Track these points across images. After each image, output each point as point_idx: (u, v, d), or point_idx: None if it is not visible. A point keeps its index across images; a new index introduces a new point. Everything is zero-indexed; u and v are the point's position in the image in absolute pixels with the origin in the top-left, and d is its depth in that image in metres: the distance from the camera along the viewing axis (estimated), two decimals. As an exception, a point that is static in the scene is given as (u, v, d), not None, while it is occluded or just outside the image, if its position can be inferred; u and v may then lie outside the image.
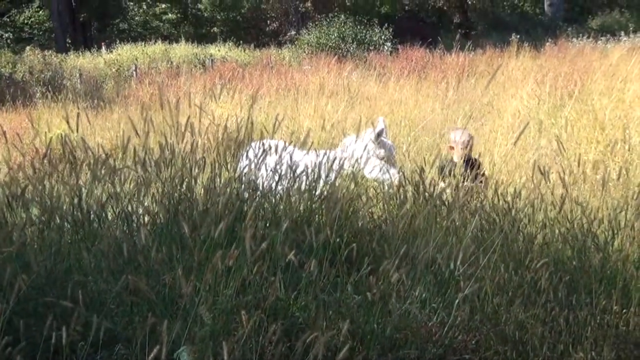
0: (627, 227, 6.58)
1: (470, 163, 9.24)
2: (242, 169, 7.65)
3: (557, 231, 6.67)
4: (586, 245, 6.48)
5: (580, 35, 35.55)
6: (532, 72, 20.14)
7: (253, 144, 8.34)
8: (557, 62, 22.17)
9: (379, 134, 8.97)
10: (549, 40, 31.71)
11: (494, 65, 23.60)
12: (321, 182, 6.93)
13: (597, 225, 6.70)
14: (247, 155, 8.16)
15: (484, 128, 12.55)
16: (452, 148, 9.75)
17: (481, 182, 8.20)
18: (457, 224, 6.49)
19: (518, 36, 30.56)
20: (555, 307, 5.99)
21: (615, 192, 8.35)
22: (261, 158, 7.25)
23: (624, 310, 6.10)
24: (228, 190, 6.34)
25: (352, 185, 7.22)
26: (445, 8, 47.97)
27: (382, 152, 8.92)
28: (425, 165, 7.45)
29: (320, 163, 7.28)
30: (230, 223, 5.70)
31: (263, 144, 7.83)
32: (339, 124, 12.34)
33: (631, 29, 35.49)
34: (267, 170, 7.27)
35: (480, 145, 11.05)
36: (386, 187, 7.75)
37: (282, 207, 6.48)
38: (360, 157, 8.01)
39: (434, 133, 12.25)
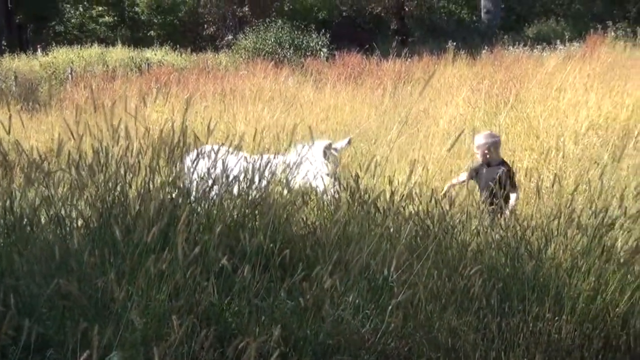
0: (560, 235, 6.66)
1: (494, 167, 9.16)
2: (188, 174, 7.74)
3: (490, 238, 6.72)
4: (519, 252, 6.55)
5: (517, 43, 35.86)
6: (469, 79, 20.32)
7: (204, 148, 8.41)
8: (493, 70, 22.37)
9: (327, 148, 9.01)
10: (486, 47, 31.99)
11: (430, 72, 23.71)
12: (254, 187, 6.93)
13: (530, 233, 6.77)
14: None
15: (419, 134, 12.60)
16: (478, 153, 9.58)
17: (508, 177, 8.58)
18: (391, 230, 6.52)
19: (455, 43, 30.75)
20: (487, 314, 6.06)
21: (549, 200, 8.44)
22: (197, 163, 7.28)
23: (556, 318, 6.17)
24: (161, 194, 6.32)
25: (285, 191, 7.23)
26: (382, 14, 48.12)
27: (330, 166, 8.94)
28: (360, 171, 7.47)
29: (256, 167, 7.30)
30: (163, 227, 5.69)
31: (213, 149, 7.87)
32: (274, 129, 12.35)
33: (567, 37, 35.89)
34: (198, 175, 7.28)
35: (416, 151, 11.10)
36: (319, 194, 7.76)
37: (215, 212, 6.47)
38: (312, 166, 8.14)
39: (369, 139, 12.29)
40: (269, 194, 6.85)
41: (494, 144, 9.43)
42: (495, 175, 8.59)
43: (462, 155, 10.56)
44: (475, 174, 9.24)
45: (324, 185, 8.16)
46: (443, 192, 8.75)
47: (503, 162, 9.39)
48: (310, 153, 8.51)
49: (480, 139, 9.43)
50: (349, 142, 9.78)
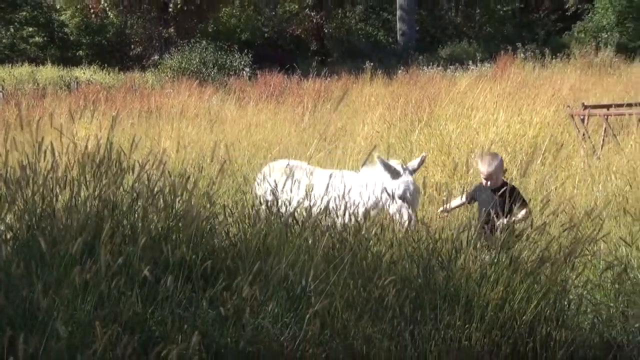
0: (469, 246, 6.74)
1: (498, 190, 8.27)
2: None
3: (404, 250, 6.78)
4: (431, 263, 6.62)
5: (431, 63, 36.15)
6: (385, 98, 20.44)
7: (273, 164, 8.92)
8: (408, 89, 22.54)
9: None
10: (401, 68, 32.20)
11: (348, 90, 23.83)
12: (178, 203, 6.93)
13: (441, 245, 6.85)
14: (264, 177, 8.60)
15: (337, 150, 12.67)
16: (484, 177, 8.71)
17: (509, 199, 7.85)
18: (309, 242, 6.56)
19: (372, 64, 30.92)
20: (401, 322, 6.12)
21: (459, 213, 8.56)
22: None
23: (466, 325, 6.24)
24: (88, 207, 6.34)
25: (208, 205, 7.25)
26: (302, 36, 48.25)
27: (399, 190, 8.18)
28: (277, 183, 7.52)
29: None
30: (89, 240, 5.70)
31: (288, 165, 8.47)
32: (197, 145, 12.36)
33: (479, 58, 36.26)
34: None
35: (334, 165, 11.16)
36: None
37: (139, 224, 6.47)
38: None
39: (289, 155, 12.34)
40: (192, 207, 6.86)
41: (501, 166, 8.69)
42: (499, 196, 8.01)
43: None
44: (474, 196, 8.77)
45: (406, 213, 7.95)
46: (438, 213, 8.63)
47: (505, 183, 8.52)
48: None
49: (490, 164, 8.56)
50: (423, 161, 8.64)
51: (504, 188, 8.05)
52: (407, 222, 7.46)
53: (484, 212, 7.95)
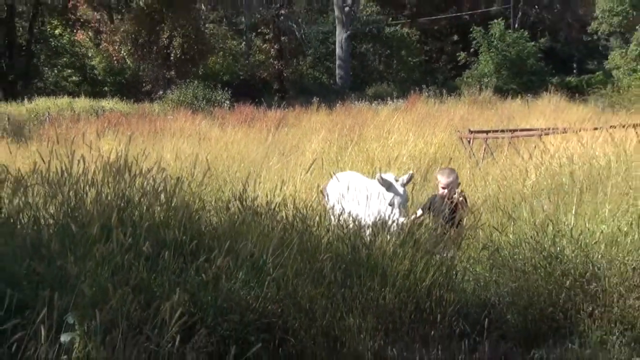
0: (384, 232, 6.80)
1: (452, 201, 8.03)
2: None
3: (337, 234, 6.80)
4: (356, 244, 6.64)
5: (360, 99, 36.16)
6: (327, 124, 20.45)
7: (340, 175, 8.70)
8: (344, 118, 22.55)
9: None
10: (339, 102, 32.15)
11: (301, 118, 23.83)
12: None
13: (364, 231, 6.88)
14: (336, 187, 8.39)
15: (290, 162, 12.67)
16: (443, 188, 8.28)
17: (458, 207, 7.80)
18: (269, 228, 6.57)
19: (318, 99, 30.93)
20: (335, 287, 6.13)
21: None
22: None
23: (382, 289, 6.26)
24: (108, 201, 6.37)
25: (197, 200, 7.27)
26: (268, 78, 48.20)
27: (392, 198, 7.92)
28: (247, 185, 7.53)
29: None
30: (108, 224, 5.72)
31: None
32: (190, 157, 12.32)
33: (395, 96, 36.41)
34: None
35: (288, 173, 11.16)
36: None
37: (145, 214, 6.46)
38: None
39: (256, 164, 12.33)
40: (184, 202, 6.86)
41: (457, 179, 8.37)
42: (452, 204, 7.90)
43: (318, 177, 10.57)
44: (429, 207, 8.20)
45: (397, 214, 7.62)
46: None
47: (459, 197, 8.15)
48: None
49: (449, 177, 8.25)
50: (411, 177, 8.26)
51: (457, 197, 8.02)
52: (396, 222, 7.36)
53: (440, 217, 7.57)
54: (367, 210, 7.53)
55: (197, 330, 5.22)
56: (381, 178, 7.80)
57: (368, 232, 6.99)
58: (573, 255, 6.82)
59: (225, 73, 45.49)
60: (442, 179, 8.19)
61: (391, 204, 7.71)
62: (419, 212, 8.33)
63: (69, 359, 4.31)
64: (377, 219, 7.28)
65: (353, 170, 9.79)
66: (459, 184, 8.46)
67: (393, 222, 7.22)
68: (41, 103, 32.73)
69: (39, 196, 6.51)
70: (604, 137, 11.30)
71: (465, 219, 7.75)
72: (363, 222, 7.19)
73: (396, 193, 7.76)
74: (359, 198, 7.73)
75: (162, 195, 6.75)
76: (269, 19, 49.68)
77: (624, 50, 49.59)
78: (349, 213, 7.30)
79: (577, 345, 6.26)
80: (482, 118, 22.43)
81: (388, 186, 7.75)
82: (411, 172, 8.41)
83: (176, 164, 11.36)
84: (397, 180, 7.92)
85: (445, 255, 6.94)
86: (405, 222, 7.31)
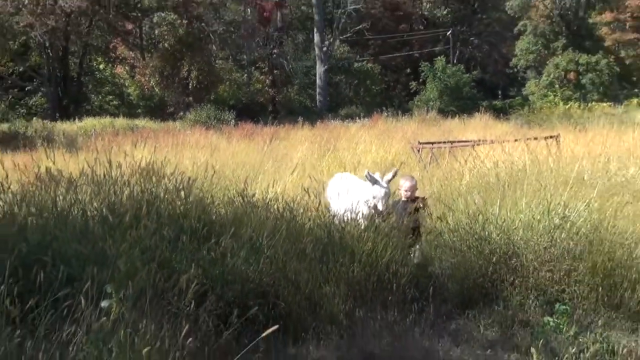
0: (353, 220, 6.81)
1: (414, 200, 7.74)
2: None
3: (316, 222, 6.79)
4: (331, 230, 6.63)
5: (335, 118, 36.16)
6: (309, 137, 20.40)
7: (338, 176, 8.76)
8: (322, 132, 22.45)
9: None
10: (319, 121, 32.12)
11: (289, 133, 23.79)
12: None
13: (337, 220, 6.89)
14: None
15: (281, 167, 12.64)
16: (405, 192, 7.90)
17: (417, 210, 7.46)
18: (264, 217, 6.55)
19: (302, 118, 30.87)
20: (315, 263, 6.12)
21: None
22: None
23: (351, 265, 6.25)
24: (139, 196, 6.35)
25: (210, 197, 7.25)
26: (264, 102, 48.05)
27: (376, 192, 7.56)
28: (247, 185, 7.50)
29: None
30: (138, 215, 5.70)
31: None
32: (204, 163, 12.25)
33: (362, 115, 36.37)
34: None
35: (279, 175, 11.13)
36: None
37: (169, 207, 6.43)
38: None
39: (255, 168, 12.28)
40: (199, 198, 6.83)
41: (416, 184, 8.06)
42: (413, 206, 7.55)
43: (303, 178, 10.53)
44: (392, 208, 7.66)
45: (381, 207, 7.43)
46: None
47: (417, 196, 7.96)
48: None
49: (411, 182, 7.94)
50: (395, 174, 7.85)
51: (417, 199, 7.83)
52: (379, 212, 7.24)
53: (404, 216, 7.32)
54: (356, 202, 7.45)
55: (208, 296, 5.19)
56: (369, 175, 7.59)
57: (362, 221, 6.96)
58: (498, 237, 6.86)
59: (231, 98, 45.28)
60: (405, 184, 7.92)
61: (375, 197, 7.47)
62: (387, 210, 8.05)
63: (108, 320, 4.26)
64: (366, 208, 7.25)
65: (329, 172, 9.74)
66: (417, 188, 8.21)
67: (375, 211, 7.23)
68: (88, 122, 32.58)
69: (86, 194, 6.47)
70: (522, 147, 11.35)
71: (427, 218, 7.55)
72: (354, 212, 7.14)
73: (380, 187, 7.51)
74: (351, 193, 7.72)
75: (181, 193, 6.72)
76: (265, 57, 49.64)
77: (537, 80, 50.19)
78: (344, 204, 7.39)
79: (501, 307, 6.29)
80: (428, 132, 22.46)
81: (374, 182, 7.54)
82: (395, 169, 8.11)
83: (192, 169, 11.26)
84: (382, 178, 7.65)
85: (413, 257, 6.95)
86: (385, 211, 7.29)
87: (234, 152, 16.20)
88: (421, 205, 7.73)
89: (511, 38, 54.71)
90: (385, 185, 7.56)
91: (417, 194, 8.13)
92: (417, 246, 7.21)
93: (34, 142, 23.01)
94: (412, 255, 7.00)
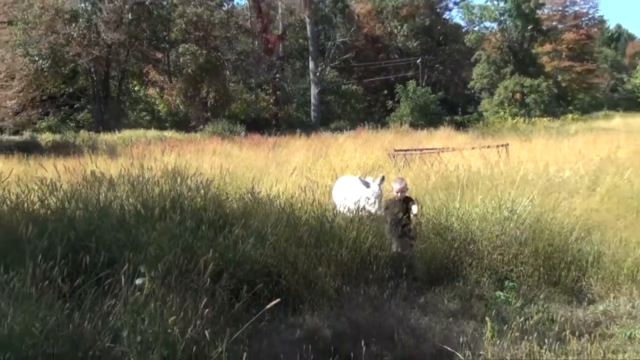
0: (341, 213, 6.77)
1: (405, 200, 7.19)
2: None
3: (311, 214, 6.77)
4: (323, 221, 6.61)
5: (326, 131, 36.06)
6: (305, 146, 20.34)
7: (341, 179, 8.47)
8: (316, 142, 22.38)
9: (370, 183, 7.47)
10: (313, 133, 32.00)
11: (289, 143, 23.68)
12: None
13: (328, 213, 6.86)
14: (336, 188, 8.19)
15: (283, 170, 12.60)
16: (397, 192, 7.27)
17: (408, 207, 7.10)
18: (268, 211, 6.53)
19: (300, 131, 30.72)
20: (310, 248, 6.09)
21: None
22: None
23: (339, 249, 6.22)
24: (166, 193, 6.32)
25: (223, 194, 7.21)
26: (268, 117, 47.78)
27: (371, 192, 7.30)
28: (254, 184, 7.46)
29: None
30: (165, 208, 5.68)
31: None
32: (219, 167, 12.20)
33: (348, 128, 36.27)
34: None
35: (281, 176, 11.08)
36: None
37: (187, 203, 6.39)
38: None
39: (261, 171, 12.23)
40: (215, 195, 6.80)
41: (406, 185, 7.44)
42: (405, 206, 7.10)
43: (300, 179, 10.48)
44: (387, 208, 7.24)
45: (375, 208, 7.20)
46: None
47: (407, 196, 7.38)
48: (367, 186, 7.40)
49: (401, 184, 7.32)
50: (383, 179, 7.56)
51: (407, 198, 7.47)
52: (373, 212, 7.08)
53: (396, 215, 6.99)
54: (353, 201, 7.28)
55: (223, 275, 5.15)
56: (362, 180, 7.45)
57: (364, 214, 6.85)
58: (458, 227, 6.85)
59: (241, 114, 45.05)
60: (397, 186, 7.41)
61: (368, 198, 7.27)
62: (380, 211, 7.70)
63: (141, 295, 4.24)
64: (360, 208, 7.06)
65: (320, 174, 9.67)
66: (407, 189, 7.76)
67: (368, 210, 7.17)
68: (126, 133, 32.38)
69: (123, 191, 6.48)
70: (478, 153, 11.36)
71: (415, 208, 7.16)
72: (351, 208, 7.00)
73: (373, 189, 7.34)
74: (348, 194, 7.58)
75: (201, 191, 6.69)
76: (269, 80, 49.44)
77: (490, 100, 50.27)
78: (345, 202, 7.31)
79: (461, 283, 6.28)
80: (402, 142, 22.37)
81: (367, 185, 7.39)
82: (382, 175, 7.83)
83: (210, 171, 11.21)
84: (374, 181, 7.48)
85: (404, 252, 6.78)
86: (377, 210, 7.15)
87: (244, 158, 16.14)
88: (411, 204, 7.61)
89: (469, 65, 54.65)
90: (377, 187, 7.40)
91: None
92: (397, 238, 6.92)
93: (81, 149, 22.86)
94: (393, 245, 6.92)
